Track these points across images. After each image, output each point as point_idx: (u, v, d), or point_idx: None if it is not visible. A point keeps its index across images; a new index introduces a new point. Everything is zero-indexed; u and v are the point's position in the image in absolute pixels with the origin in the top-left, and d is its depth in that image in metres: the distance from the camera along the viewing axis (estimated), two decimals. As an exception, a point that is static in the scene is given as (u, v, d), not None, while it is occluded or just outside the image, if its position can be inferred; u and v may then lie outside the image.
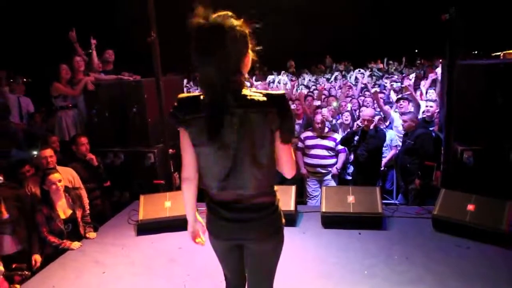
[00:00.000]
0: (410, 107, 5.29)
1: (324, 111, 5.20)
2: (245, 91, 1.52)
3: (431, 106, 4.95)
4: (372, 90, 5.83)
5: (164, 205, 3.89)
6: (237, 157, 1.57)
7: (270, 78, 8.48)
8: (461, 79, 4.07)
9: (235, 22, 1.43)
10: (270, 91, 1.64)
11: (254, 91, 1.55)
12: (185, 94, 1.68)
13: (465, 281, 2.85)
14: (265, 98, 1.52)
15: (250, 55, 1.53)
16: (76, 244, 3.56)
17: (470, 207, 3.48)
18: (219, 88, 1.44)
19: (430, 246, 3.39)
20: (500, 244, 3.26)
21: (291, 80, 8.20)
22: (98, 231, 3.91)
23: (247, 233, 1.73)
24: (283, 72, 9.13)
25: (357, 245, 3.46)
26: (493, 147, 4.01)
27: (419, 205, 4.17)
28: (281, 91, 1.76)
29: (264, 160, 1.60)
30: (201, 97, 1.56)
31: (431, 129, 4.79)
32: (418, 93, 6.14)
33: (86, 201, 3.93)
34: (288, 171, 1.73)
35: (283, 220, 1.82)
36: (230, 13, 1.45)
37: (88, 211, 3.87)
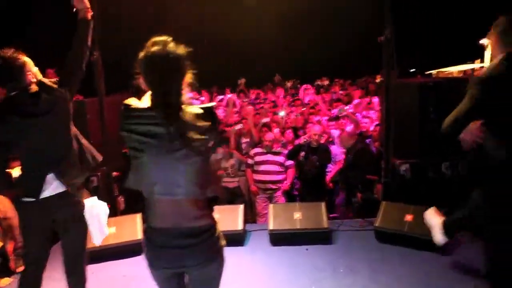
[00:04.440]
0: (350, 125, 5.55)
1: (276, 131, 5.28)
2: (186, 107, 1.64)
3: (366, 123, 5.22)
4: (343, 113, 6.02)
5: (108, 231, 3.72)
6: (183, 166, 1.62)
7: (219, 97, 8.52)
8: (397, 96, 4.34)
9: (181, 50, 1.61)
10: (203, 104, 1.73)
11: (193, 106, 1.67)
12: (132, 102, 1.66)
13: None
14: (201, 111, 1.65)
15: (189, 77, 1.67)
16: (5, 281, 3.30)
17: (408, 217, 3.68)
18: (170, 106, 1.58)
19: (374, 257, 3.54)
20: (435, 250, 3.46)
21: (239, 98, 8.29)
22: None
23: (187, 259, 1.70)
24: (229, 93, 9.22)
25: (304, 261, 3.53)
26: (427, 160, 4.28)
27: (363, 217, 4.33)
28: (212, 103, 1.85)
29: (201, 173, 1.66)
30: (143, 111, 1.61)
31: (368, 141, 5.03)
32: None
33: (18, 232, 3.67)
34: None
35: (223, 242, 1.82)
36: (170, 38, 1.61)
37: (21, 243, 3.61)
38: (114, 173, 4.30)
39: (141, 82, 1.63)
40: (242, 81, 10.50)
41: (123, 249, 3.56)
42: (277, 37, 12.23)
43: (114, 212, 4.21)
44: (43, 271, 2.49)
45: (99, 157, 2.64)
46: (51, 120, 2.32)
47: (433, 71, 9.64)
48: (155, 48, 1.57)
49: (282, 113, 6.24)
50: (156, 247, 1.71)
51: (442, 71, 9.59)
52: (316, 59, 12.30)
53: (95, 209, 2.58)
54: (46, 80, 2.40)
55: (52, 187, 2.32)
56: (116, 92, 6.37)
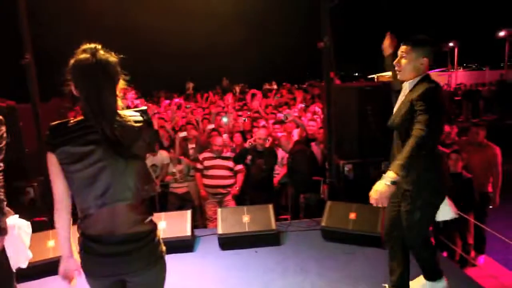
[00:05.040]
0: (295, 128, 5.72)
1: (225, 136, 5.26)
2: (121, 112, 1.67)
3: (312, 126, 5.39)
4: (290, 118, 6.15)
5: (46, 245, 3.51)
6: (115, 172, 1.61)
7: (166, 102, 8.37)
8: (338, 99, 4.54)
9: (112, 57, 1.64)
10: (138, 108, 1.77)
11: (127, 111, 1.71)
12: (57, 122, 1.65)
13: (354, 283, 3.14)
14: (137, 113, 1.70)
15: (122, 82, 1.70)
16: None
17: (352, 215, 3.84)
18: (103, 111, 1.59)
19: (321, 255, 3.65)
20: (377, 245, 3.65)
21: (187, 102, 8.20)
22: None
23: (127, 266, 1.67)
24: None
25: (255, 263, 3.56)
26: (368, 160, 4.50)
27: (309, 218, 4.45)
28: (144, 107, 1.88)
29: (141, 175, 1.69)
30: (75, 121, 1.62)
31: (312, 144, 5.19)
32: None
33: None
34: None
35: (163, 247, 1.81)
36: (99, 46, 1.64)
37: None
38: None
39: (72, 89, 1.63)
40: (190, 85, 10.42)
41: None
42: (225, 41, 12.30)
43: (53, 225, 3.97)
44: None
45: None
46: None
47: (374, 75, 10.20)
48: (84, 56, 1.58)
49: (225, 119, 6.26)
50: (93, 255, 1.66)
51: (382, 75, 10.17)
52: (263, 64, 12.52)
53: (16, 229, 2.30)
54: None
55: None
56: (56, 96, 6.03)
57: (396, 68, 2.57)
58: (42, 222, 3.95)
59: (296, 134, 5.53)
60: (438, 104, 2.33)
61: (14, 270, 2.27)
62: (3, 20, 4.66)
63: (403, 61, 2.49)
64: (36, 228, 3.84)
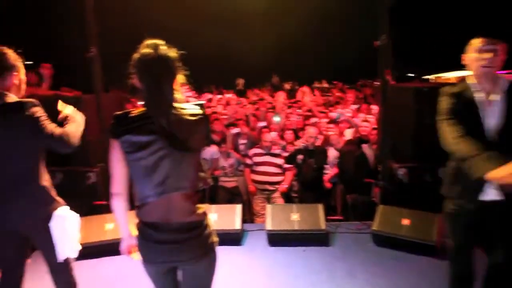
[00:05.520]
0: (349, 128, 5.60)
1: (273, 134, 5.28)
2: (180, 105, 1.73)
3: (366, 126, 5.24)
4: (342, 118, 6.08)
5: (104, 227, 3.71)
6: (173, 162, 1.67)
7: (217, 97, 8.51)
8: (394, 100, 4.37)
9: (172, 52, 1.70)
10: (195, 102, 1.83)
11: (185, 104, 1.76)
12: (121, 112, 1.73)
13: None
14: (195, 107, 1.75)
15: (181, 77, 1.76)
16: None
17: (405, 221, 3.70)
18: (162, 104, 1.67)
19: (371, 261, 3.55)
20: (431, 255, 3.49)
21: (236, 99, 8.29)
22: (31, 257, 3.62)
23: (179, 254, 1.73)
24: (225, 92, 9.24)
25: (302, 262, 3.53)
26: (424, 164, 4.30)
27: (359, 220, 4.34)
28: (202, 101, 1.92)
29: (195, 168, 1.74)
30: (136, 112, 1.69)
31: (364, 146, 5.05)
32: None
33: None
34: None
35: (216, 238, 1.85)
36: (161, 41, 1.70)
37: None
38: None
39: (135, 81, 1.70)
40: (240, 81, 10.53)
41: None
42: (275, 38, 12.28)
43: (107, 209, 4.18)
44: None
45: None
46: None
47: (431, 77, 9.74)
48: (147, 51, 1.66)
49: (277, 119, 6.24)
50: (150, 242, 1.73)
51: (440, 77, 9.69)
52: (314, 62, 12.37)
53: (65, 220, 2.27)
54: None
55: None
56: (114, 88, 6.35)
57: (489, 66, 2.22)
58: (102, 206, 4.18)
59: (348, 134, 5.42)
60: None
61: (61, 260, 2.31)
62: (73, 15, 4.94)
63: (498, 59, 2.22)
64: (96, 211, 4.10)
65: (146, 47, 1.67)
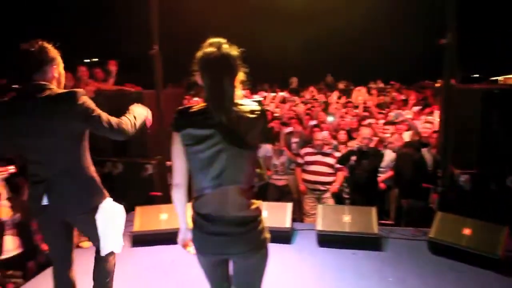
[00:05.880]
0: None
1: (325, 133, 5.22)
2: (239, 101, 1.77)
3: (428, 128, 4.99)
4: (400, 119, 5.90)
5: (159, 217, 3.88)
6: (230, 156, 1.71)
7: (271, 94, 8.55)
8: (458, 103, 4.11)
9: (234, 51, 1.74)
10: (253, 99, 1.80)
11: (244, 101, 1.80)
12: (183, 107, 1.80)
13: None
14: (252, 105, 1.78)
15: (241, 75, 1.80)
16: (86, 244, 3.53)
17: (466, 231, 3.48)
18: (222, 100, 1.71)
19: (425, 269, 3.38)
20: (494, 269, 3.25)
21: (290, 98, 8.25)
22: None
23: (232, 247, 1.76)
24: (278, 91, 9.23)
25: (351, 266, 3.45)
26: (489, 171, 4.02)
27: (413, 226, 4.16)
28: (260, 98, 1.93)
29: (251, 164, 1.78)
30: (197, 107, 1.75)
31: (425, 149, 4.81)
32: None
33: None
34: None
35: (268, 235, 1.86)
36: (224, 40, 1.75)
37: None
38: (169, 163, 4.45)
39: (198, 78, 1.76)
40: (294, 79, 10.48)
41: (173, 236, 3.69)
42: (329, 38, 12.09)
43: (166, 200, 4.36)
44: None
45: None
46: None
47: (500, 78, 9.06)
48: (210, 50, 1.71)
49: (331, 118, 6.14)
50: (204, 233, 1.78)
51: (509, 77, 8.98)
52: (371, 61, 12.00)
53: (111, 212, 2.29)
54: None
55: None
56: (172, 84, 6.60)
57: None
58: (158, 196, 4.37)
59: (406, 136, 5.19)
60: None
61: (103, 254, 2.32)
62: (137, 15, 5.17)
63: None
64: (152, 201, 4.29)
65: (210, 45, 1.72)
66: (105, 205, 2.27)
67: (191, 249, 1.91)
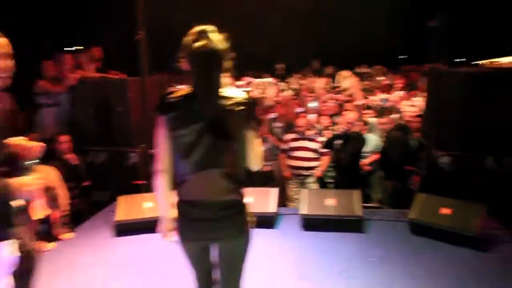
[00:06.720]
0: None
1: (312, 116, 5.21)
2: (226, 90, 1.76)
3: (411, 113, 5.05)
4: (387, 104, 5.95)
5: (143, 205, 3.87)
6: (213, 142, 1.71)
7: (256, 80, 8.49)
8: (443, 85, 4.15)
9: (223, 42, 1.72)
10: (240, 88, 1.86)
11: (233, 89, 1.80)
12: (169, 91, 1.77)
13: (438, 281, 2.95)
14: (241, 93, 1.78)
15: (229, 63, 1.78)
16: (51, 245, 3.53)
17: (445, 211, 3.56)
18: (209, 88, 1.71)
19: (406, 249, 3.48)
20: (471, 246, 3.36)
21: (276, 84, 8.21)
22: (75, 232, 3.87)
23: (216, 231, 1.77)
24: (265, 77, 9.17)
25: (335, 248, 3.51)
26: (470, 153, 4.10)
27: (398, 208, 4.23)
28: (248, 88, 1.93)
29: (236, 150, 1.76)
30: (183, 92, 1.74)
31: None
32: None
33: (65, 201, 3.89)
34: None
35: (252, 219, 1.87)
36: (211, 28, 1.72)
37: (66, 212, 3.83)
38: (152, 151, 4.42)
39: (184, 65, 1.74)
40: (280, 66, 10.42)
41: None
42: (314, 22, 11.99)
43: (151, 188, 4.35)
44: None
45: None
46: None
47: (484, 61, 9.14)
48: (200, 43, 1.68)
49: (313, 104, 6.14)
50: (188, 220, 1.78)
51: (493, 61, 9.06)
52: (355, 46, 11.97)
53: None
54: None
55: None
56: (158, 72, 6.49)
57: None
58: (142, 185, 4.36)
59: (390, 120, 5.23)
60: None
61: None
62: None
63: None
64: (136, 190, 4.28)
65: (198, 34, 1.70)
66: None
67: (172, 237, 1.89)
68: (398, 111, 5.40)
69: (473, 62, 9.20)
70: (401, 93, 6.61)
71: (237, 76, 8.87)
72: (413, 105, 5.48)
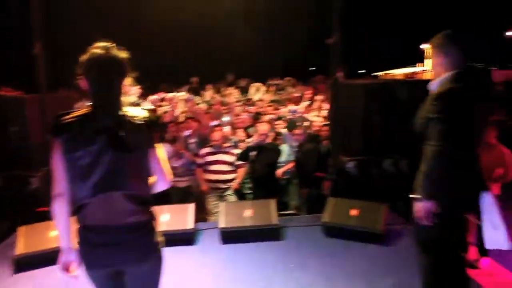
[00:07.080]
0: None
1: (226, 129, 5.25)
2: (128, 109, 1.73)
3: (318, 122, 5.39)
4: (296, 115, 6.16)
5: (48, 235, 3.54)
6: (114, 162, 1.65)
7: (170, 95, 8.34)
8: (344, 96, 4.51)
9: (123, 54, 1.72)
10: (143, 106, 1.78)
11: (134, 108, 1.77)
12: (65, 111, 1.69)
13: (353, 280, 3.15)
14: (143, 111, 1.76)
15: (129, 79, 1.77)
16: None
17: (354, 212, 3.84)
18: (112, 104, 1.67)
19: (322, 252, 3.66)
20: (378, 242, 3.66)
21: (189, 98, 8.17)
22: None
23: (123, 256, 1.69)
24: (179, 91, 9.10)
25: (255, 258, 3.57)
26: (371, 157, 4.49)
27: (314, 213, 4.45)
28: (151, 106, 1.93)
29: (140, 169, 1.73)
30: (81, 112, 1.67)
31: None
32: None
33: None
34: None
35: (161, 238, 1.82)
36: (111, 44, 1.71)
37: None
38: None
39: (82, 83, 1.69)
40: (195, 79, 10.39)
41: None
42: (228, 36, 12.28)
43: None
44: None
45: None
46: None
47: (380, 73, 10.16)
48: (98, 52, 1.66)
49: (226, 119, 6.25)
50: (91, 246, 1.69)
51: (388, 73, 10.12)
52: (268, 59, 12.48)
53: None
54: None
55: None
56: (64, 88, 6.04)
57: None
58: (45, 212, 3.97)
59: (299, 130, 5.52)
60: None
61: None
62: (17, 11, 4.66)
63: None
64: (39, 218, 3.89)
65: (98, 48, 1.67)
66: None
67: (74, 271, 1.74)
68: (306, 121, 5.70)
69: (372, 74, 10.19)
70: (307, 103, 7.01)
71: (151, 90, 8.66)
72: (318, 115, 5.83)
